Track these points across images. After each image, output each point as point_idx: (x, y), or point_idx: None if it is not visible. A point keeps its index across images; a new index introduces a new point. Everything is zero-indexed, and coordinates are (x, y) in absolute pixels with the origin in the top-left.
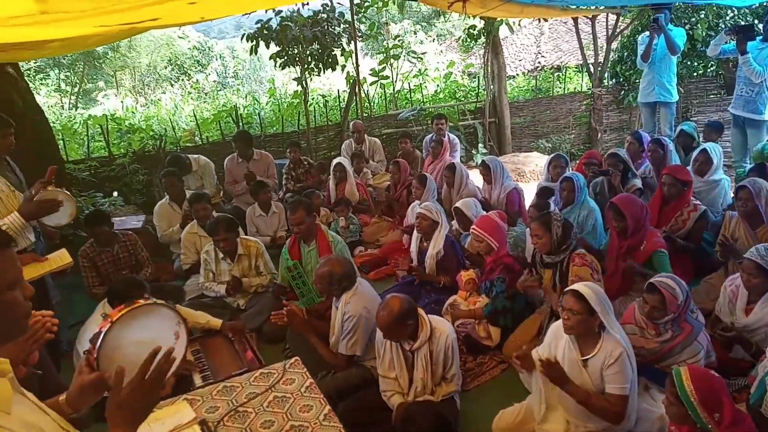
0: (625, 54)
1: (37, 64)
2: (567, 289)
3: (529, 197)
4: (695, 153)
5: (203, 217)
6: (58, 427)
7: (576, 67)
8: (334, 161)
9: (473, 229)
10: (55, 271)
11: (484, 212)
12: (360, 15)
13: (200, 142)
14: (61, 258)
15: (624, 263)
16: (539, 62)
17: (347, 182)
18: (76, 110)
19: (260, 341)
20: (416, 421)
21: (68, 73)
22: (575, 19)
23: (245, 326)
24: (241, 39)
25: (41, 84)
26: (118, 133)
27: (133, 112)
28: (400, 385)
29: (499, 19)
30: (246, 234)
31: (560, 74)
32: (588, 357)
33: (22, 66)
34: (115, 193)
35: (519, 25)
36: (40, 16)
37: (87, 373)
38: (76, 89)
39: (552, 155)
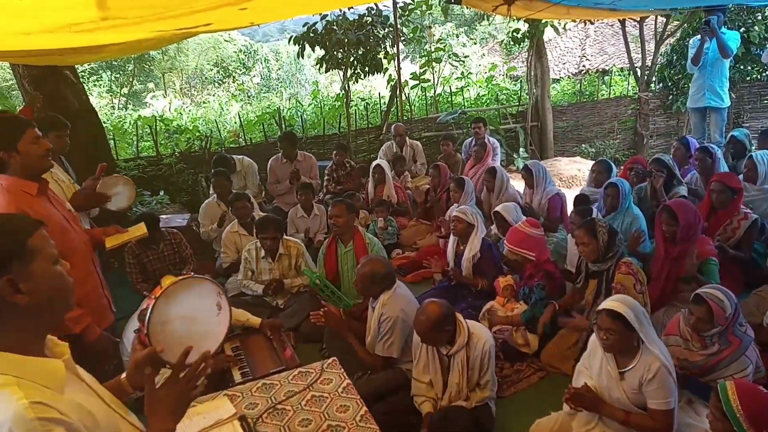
0: (674, 57)
1: (91, 66)
2: (601, 308)
3: (571, 203)
4: (744, 160)
5: (243, 216)
6: (110, 409)
7: (622, 71)
8: (374, 163)
9: (505, 244)
10: (133, 240)
11: (525, 217)
12: (404, 18)
13: (244, 143)
14: (138, 229)
15: (670, 270)
16: (584, 65)
17: (386, 184)
18: (125, 111)
19: (297, 340)
20: (452, 424)
21: (119, 75)
22: (622, 22)
23: (284, 325)
24: (289, 41)
25: (94, 85)
26: (166, 133)
27: (180, 113)
28: (434, 389)
29: (544, 21)
30: (286, 235)
31: (605, 78)
32: (625, 370)
33: (77, 68)
34: (162, 192)
35: (564, 28)
36: (101, 22)
37: (140, 350)
38: (126, 90)
39: (596, 160)
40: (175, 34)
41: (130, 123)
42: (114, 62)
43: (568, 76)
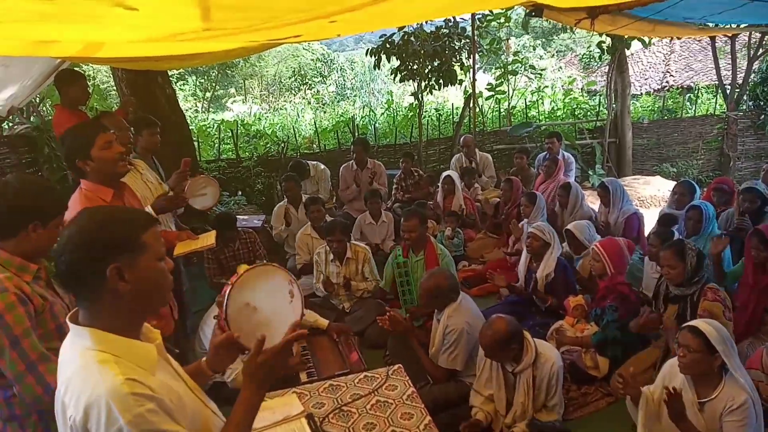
0: None
1: (179, 72)
2: (684, 324)
3: (649, 224)
4: None
5: (316, 219)
6: (193, 395)
7: (708, 88)
8: (444, 174)
9: (595, 245)
10: (201, 249)
11: (599, 236)
12: (481, 30)
13: (318, 150)
14: (208, 238)
15: (758, 300)
16: (667, 81)
17: (455, 196)
18: (207, 114)
19: (362, 345)
20: None
21: (203, 80)
22: (712, 37)
23: (350, 329)
24: (366, 53)
25: (180, 90)
26: (246, 137)
27: (259, 119)
28: (496, 405)
29: (627, 36)
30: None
31: (690, 95)
32: (706, 400)
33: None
34: (239, 193)
35: (650, 42)
36: (202, 32)
37: (219, 335)
38: (209, 95)
39: (678, 181)
40: (264, 44)
41: (213, 126)
42: (199, 68)
43: (650, 92)
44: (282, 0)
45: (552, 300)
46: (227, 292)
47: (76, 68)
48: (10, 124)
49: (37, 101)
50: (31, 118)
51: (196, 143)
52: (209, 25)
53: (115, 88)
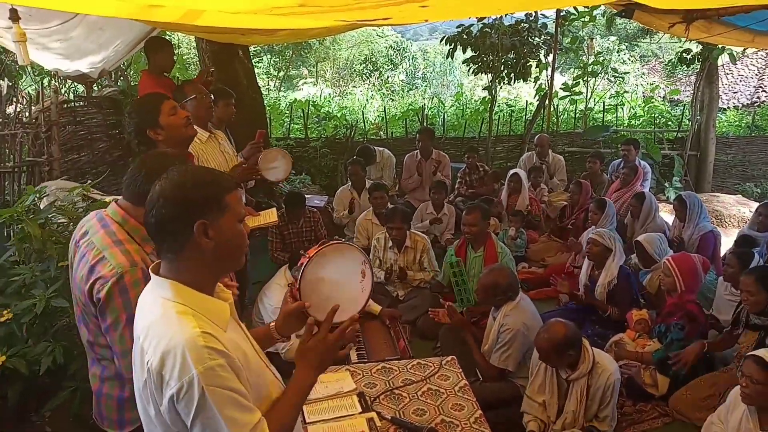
0: None
1: (255, 49)
2: (749, 353)
3: (725, 244)
4: None
5: (379, 205)
6: (258, 357)
7: None
8: (511, 171)
9: (667, 260)
10: (263, 226)
11: (671, 251)
12: (563, 28)
13: (384, 137)
14: (270, 215)
15: None
16: (758, 97)
17: (521, 194)
18: (278, 93)
19: (413, 335)
20: None
21: (278, 59)
22: None
23: (402, 316)
24: (440, 42)
25: (255, 66)
26: (315, 118)
27: (329, 101)
28: (547, 411)
29: (720, 45)
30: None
31: None
32: None
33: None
34: (304, 173)
35: (743, 54)
36: (297, 8)
37: (291, 303)
38: (281, 74)
39: (762, 202)
40: (348, 24)
41: (285, 105)
42: (274, 46)
43: (738, 107)
44: None
45: (612, 310)
46: (304, 264)
47: (164, 36)
48: (100, 86)
49: (125, 66)
50: (119, 82)
51: (267, 120)
52: (304, 1)
53: (197, 58)
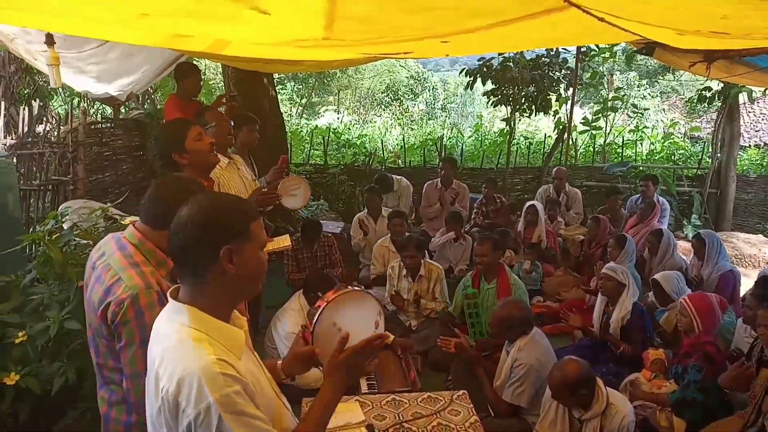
0: None
1: (279, 77)
2: None
3: (745, 285)
4: None
5: (397, 233)
6: (270, 387)
7: None
8: (528, 203)
9: (683, 299)
10: (276, 250)
11: (689, 290)
12: (584, 63)
13: (403, 165)
14: (283, 241)
15: None
16: None
17: (537, 227)
18: (301, 119)
19: (424, 366)
20: None
21: (301, 87)
22: None
23: (414, 346)
24: (460, 73)
25: (279, 93)
26: (335, 145)
27: (349, 129)
28: None
29: (740, 85)
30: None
31: None
32: None
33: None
34: (321, 199)
35: (765, 93)
36: (321, 41)
37: (302, 345)
38: (304, 101)
39: None
40: (372, 56)
41: (306, 131)
42: (299, 75)
43: (759, 145)
44: (403, 18)
45: (625, 347)
46: (321, 308)
47: (192, 62)
48: (127, 109)
49: (152, 89)
50: (145, 105)
51: (288, 146)
52: (329, 35)
53: (222, 84)
